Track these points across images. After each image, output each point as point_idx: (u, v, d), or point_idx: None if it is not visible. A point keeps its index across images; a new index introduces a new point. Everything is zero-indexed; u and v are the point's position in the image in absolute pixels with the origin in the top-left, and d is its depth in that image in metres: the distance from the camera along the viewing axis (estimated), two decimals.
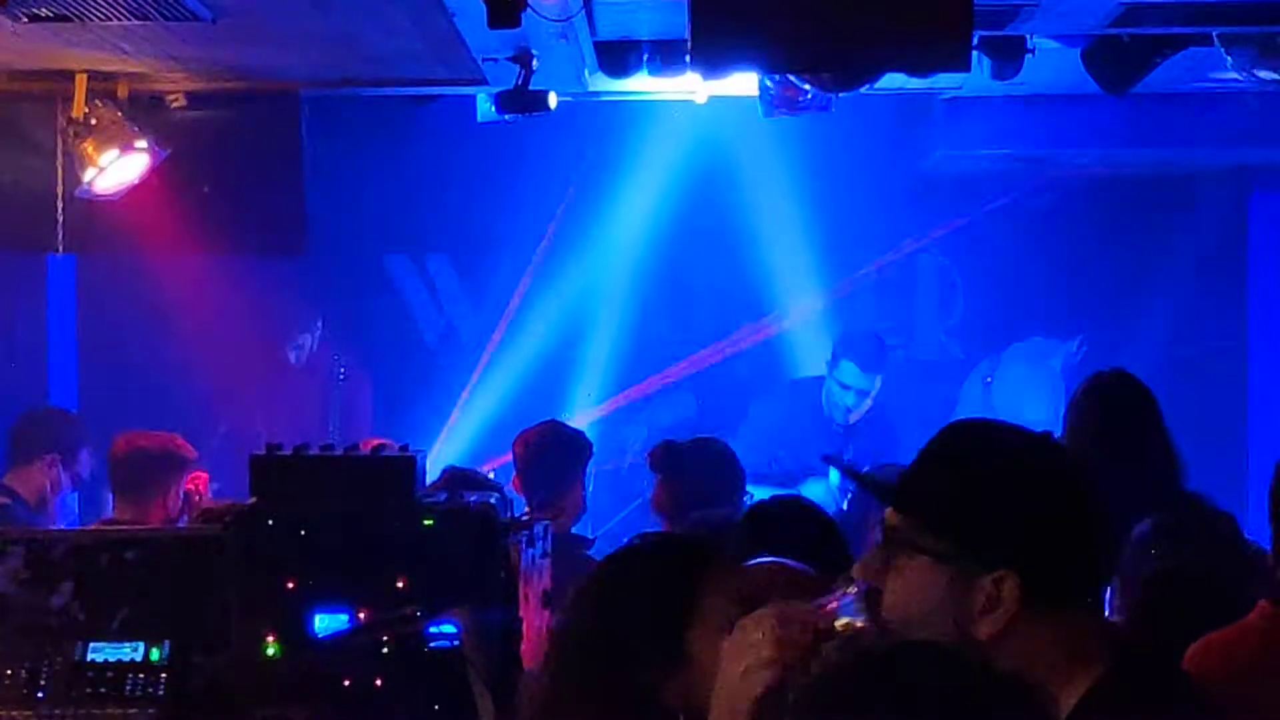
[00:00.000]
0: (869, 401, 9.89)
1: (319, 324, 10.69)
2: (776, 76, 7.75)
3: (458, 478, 6.10)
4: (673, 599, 3.48)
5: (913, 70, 6.76)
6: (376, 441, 5.77)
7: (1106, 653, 2.89)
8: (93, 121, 8.08)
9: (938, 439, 3.00)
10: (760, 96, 8.21)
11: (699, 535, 4.81)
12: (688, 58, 6.14)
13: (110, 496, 7.82)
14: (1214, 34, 7.66)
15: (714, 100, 9.11)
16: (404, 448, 4.95)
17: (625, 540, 3.89)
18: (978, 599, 2.82)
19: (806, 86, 7.58)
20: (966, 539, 2.85)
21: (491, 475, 7.03)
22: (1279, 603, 4.23)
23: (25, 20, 6.93)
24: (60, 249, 8.69)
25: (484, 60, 7.97)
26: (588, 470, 7.37)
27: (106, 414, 9.40)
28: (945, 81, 8.68)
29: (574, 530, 7.22)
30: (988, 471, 2.89)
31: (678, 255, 11.15)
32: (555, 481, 7.10)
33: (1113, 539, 3.10)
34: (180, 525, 7.27)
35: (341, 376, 10.52)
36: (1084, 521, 2.89)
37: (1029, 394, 10.53)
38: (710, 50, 6.01)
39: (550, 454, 7.15)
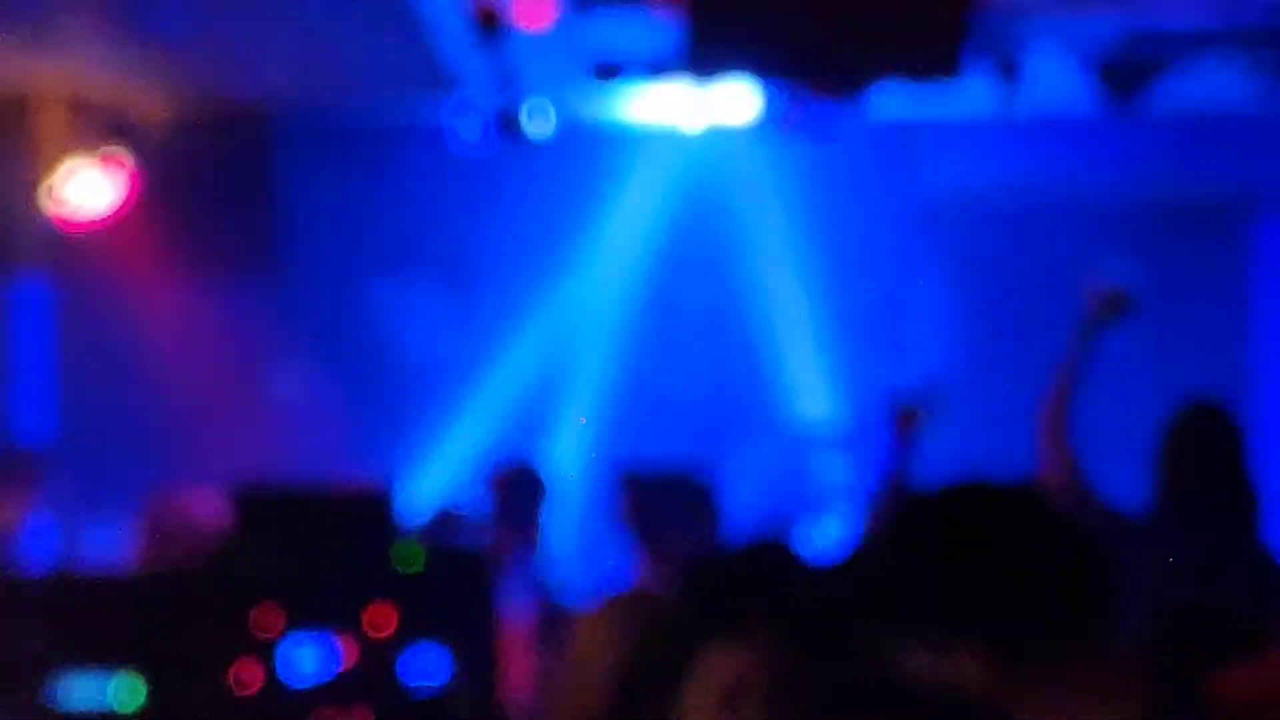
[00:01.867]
0: None
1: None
2: (775, 95, 7.68)
3: (442, 518, 6.05)
4: (677, 654, 3.43)
5: (906, 77, 6.71)
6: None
7: None
8: (70, 144, 8.06)
9: None
10: (761, 117, 8.13)
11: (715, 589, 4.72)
12: (682, 63, 6.11)
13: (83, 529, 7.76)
14: (1219, 56, 7.61)
15: (704, 131, 9.06)
16: (387, 482, 4.88)
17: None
18: None
19: (806, 100, 7.51)
20: None
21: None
22: None
23: None
24: (32, 271, 8.68)
25: (469, 85, 7.93)
26: (549, 508, 7.36)
27: (83, 444, 9.27)
28: (943, 107, 8.64)
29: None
30: None
31: (666, 285, 11.05)
32: (530, 520, 7.07)
33: None
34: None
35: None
36: None
37: None
38: (704, 55, 5.99)
39: (524, 492, 7.13)
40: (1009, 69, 7.81)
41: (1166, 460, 6.06)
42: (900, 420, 6.59)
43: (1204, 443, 6.06)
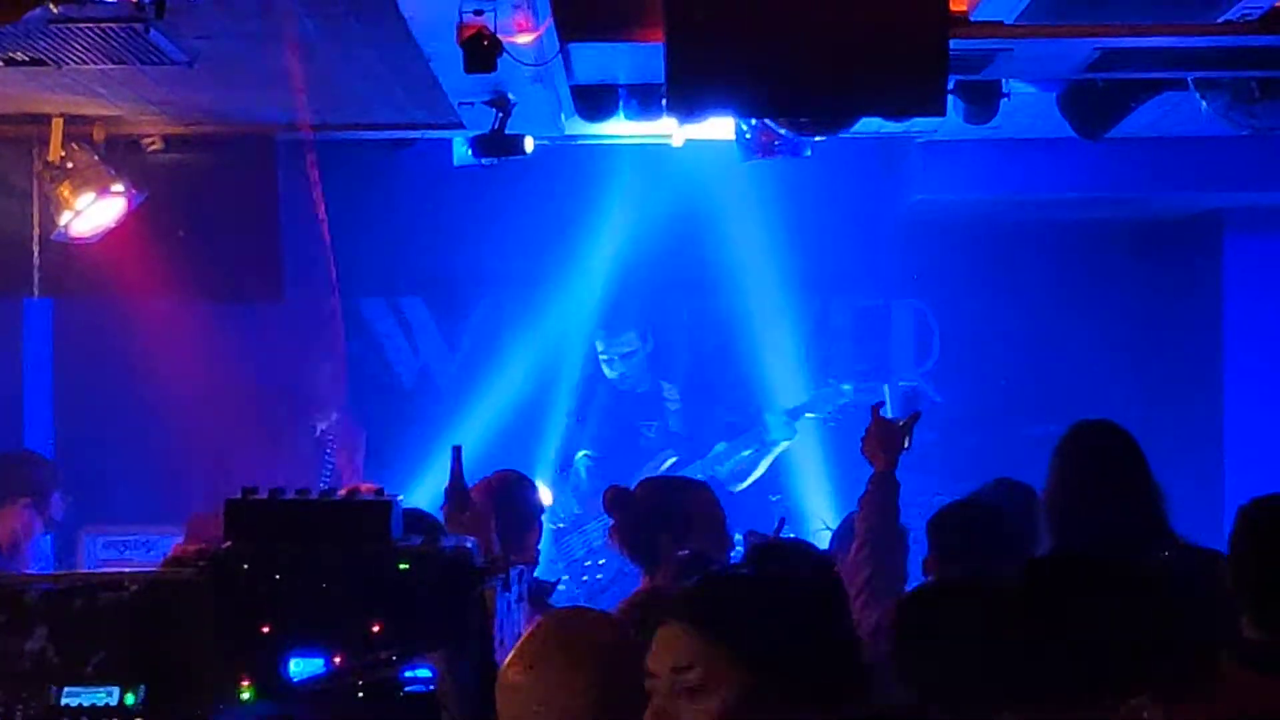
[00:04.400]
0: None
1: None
2: (753, 121, 7.76)
3: (410, 520, 6.07)
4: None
5: (888, 114, 6.77)
6: (359, 486, 5.74)
7: None
8: (69, 165, 8.07)
9: None
10: (737, 141, 8.22)
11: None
12: (664, 101, 6.14)
13: (84, 539, 7.80)
14: (1189, 79, 7.70)
15: (691, 143, 9.11)
16: (379, 491, 4.93)
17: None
18: None
19: (782, 131, 7.60)
20: None
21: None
22: (1251, 667, 4.17)
23: (0, 64, 6.93)
24: (36, 293, 8.67)
25: (460, 104, 7.98)
26: (542, 518, 7.40)
27: (82, 458, 9.34)
28: (922, 126, 8.71)
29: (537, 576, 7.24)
30: None
31: (654, 299, 11.14)
32: (519, 526, 7.11)
33: None
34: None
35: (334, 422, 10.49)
36: None
37: None
38: (686, 94, 6.01)
39: (513, 500, 7.17)
40: (986, 94, 7.93)
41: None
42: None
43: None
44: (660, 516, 6.70)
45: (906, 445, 6.59)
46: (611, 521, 6.92)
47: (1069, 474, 6.13)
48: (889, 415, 6.74)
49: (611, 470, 10.30)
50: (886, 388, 7.39)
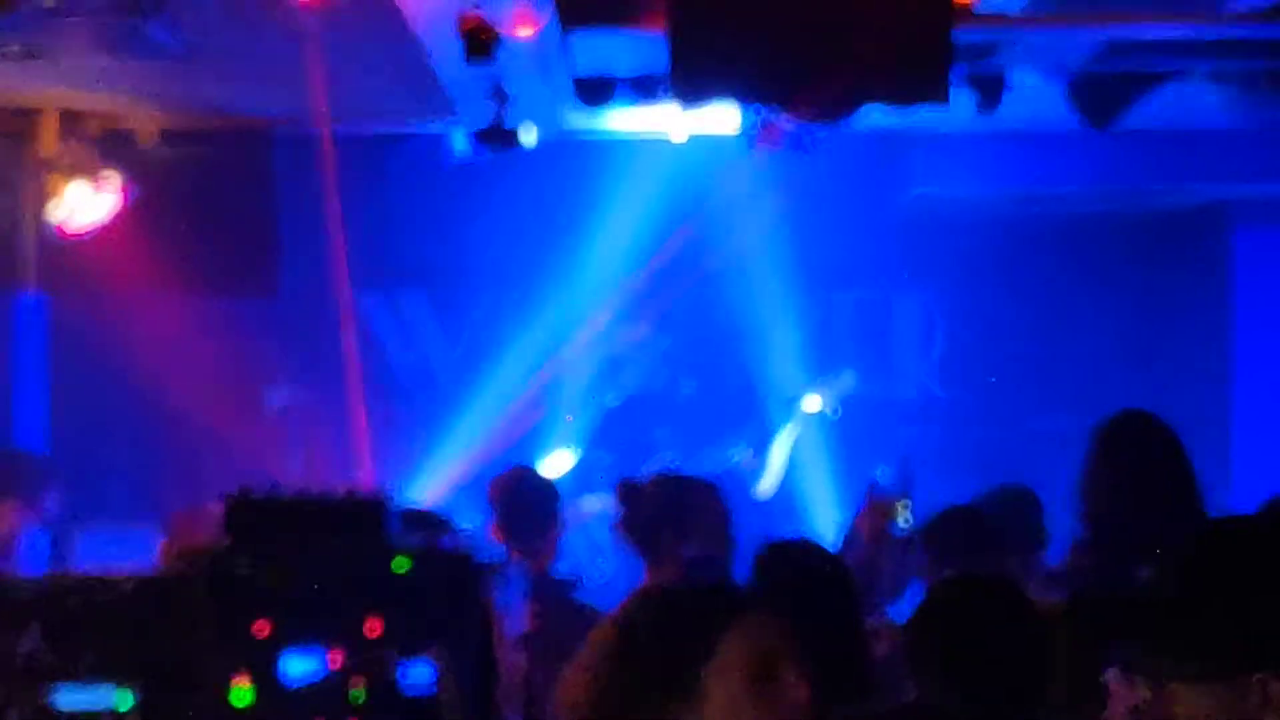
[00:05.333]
0: None
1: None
2: (758, 112, 7.72)
3: (411, 518, 6.02)
4: (694, 640, 3.54)
5: (892, 103, 6.74)
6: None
7: None
8: (64, 159, 8.07)
9: None
10: (742, 132, 8.18)
11: (725, 582, 4.82)
12: (667, 88, 6.11)
13: (78, 536, 7.76)
14: (1196, 70, 7.66)
15: (692, 138, 9.08)
16: (378, 489, 4.88)
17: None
18: None
19: (787, 122, 7.55)
20: None
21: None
22: None
23: None
24: (30, 287, 8.65)
25: (459, 98, 7.95)
26: (561, 513, 7.36)
27: (77, 455, 9.29)
28: (927, 119, 8.66)
29: (557, 572, 7.20)
30: None
31: (655, 292, 11.10)
32: (532, 525, 7.09)
33: None
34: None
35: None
36: None
37: None
38: (689, 80, 6.00)
39: (525, 498, 7.14)
40: (991, 84, 7.89)
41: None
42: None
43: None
44: (666, 513, 6.69)
45: (905, 524, 6.63)
46: (621, 513, 6.91)
47: (1110, 469, 6.06)
48: (883, 485, 6.77)
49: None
50: (880, 468, 7.44)
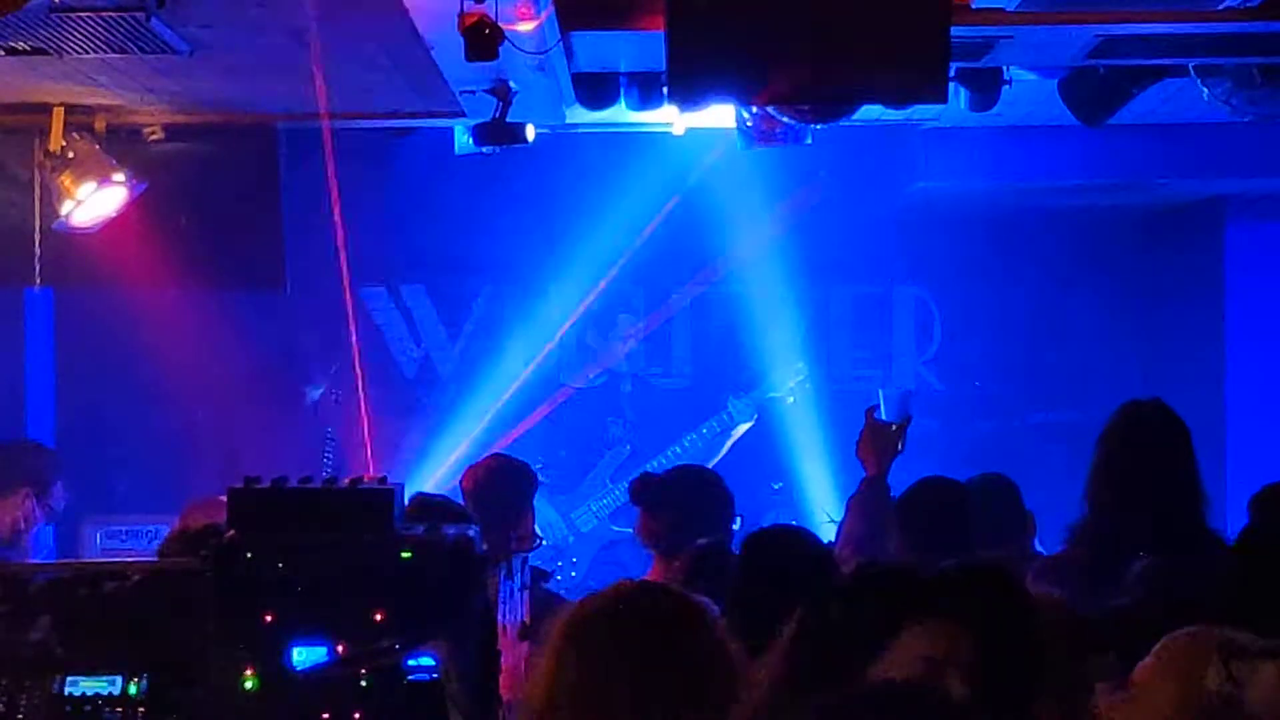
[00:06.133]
0: None
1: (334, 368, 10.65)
2: (754, 109, 7.76)
3: (427, 505, 6.06)
4: (873, 629, 3.57)
5: (890, 102, 6.76)
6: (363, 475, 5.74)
7: None
8: (70, 155, 8.06)
9: None
10: (738, 129, 8.22)
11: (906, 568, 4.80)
12: (665, 89, 6.14)
13: (86, 529, 7.80)
14: (1190, 65, 7.70)
15: (693, 131, 9.11)
16: (382, 480, 4.93)
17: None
18: None
19: (784, 119, 7.60)
20: None
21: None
22: None
23: (1, 54, 6.93)
24: (37, 282, 8.66)
25: (462, 92, 7.97)
26: (534, 501, 7.39)
27: (84, 448, 9.33)
28: (924, 113, 8.71)
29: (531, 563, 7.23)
30: None
31: (656, 285, 11.15)
32: (505, 513, 7.09)
33: None
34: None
35: (336, 399, 10.47)
36: None
37: None
38: (687, 82, 6.02)
39: (499, 486, 7.15)
40: (988, 81, 7.92)
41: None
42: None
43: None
44: (694, 505, 6.74)
45: (900, 449, 6.65)
46: (638, 511, 6.95)
47: (1122, 458, 6.08)
48: (883, 418, 6.79)
49: (580, 466, 10.45)
50: (881, 391, 7.44)
